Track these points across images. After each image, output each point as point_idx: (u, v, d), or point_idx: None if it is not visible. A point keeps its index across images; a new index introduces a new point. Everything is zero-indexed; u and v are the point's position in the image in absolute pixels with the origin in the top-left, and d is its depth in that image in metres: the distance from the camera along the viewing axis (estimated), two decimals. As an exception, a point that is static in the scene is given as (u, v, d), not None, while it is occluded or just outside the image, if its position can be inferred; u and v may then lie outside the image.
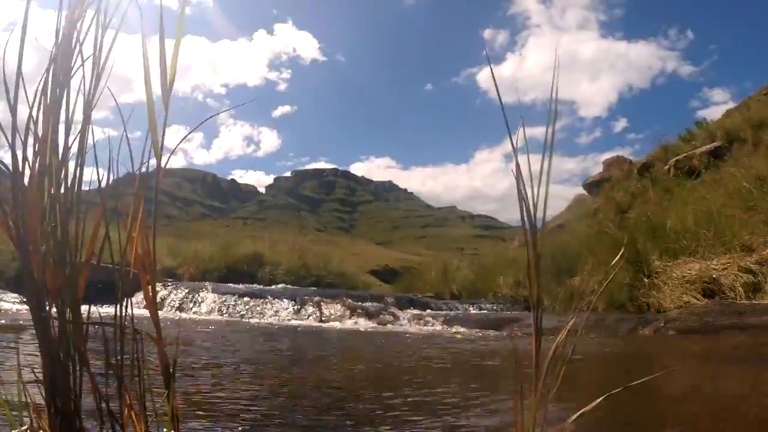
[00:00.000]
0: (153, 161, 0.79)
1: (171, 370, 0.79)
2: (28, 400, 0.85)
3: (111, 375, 0.82)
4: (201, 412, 1.49)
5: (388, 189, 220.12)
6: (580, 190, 16.70)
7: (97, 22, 0.79)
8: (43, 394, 0.81)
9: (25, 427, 0.87)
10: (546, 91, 0.75)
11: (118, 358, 0.82)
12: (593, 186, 14.92)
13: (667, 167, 10.96)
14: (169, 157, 0.78)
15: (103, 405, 0.82)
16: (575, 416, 0.78)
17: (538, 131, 0.82)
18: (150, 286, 0.79)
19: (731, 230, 5.35)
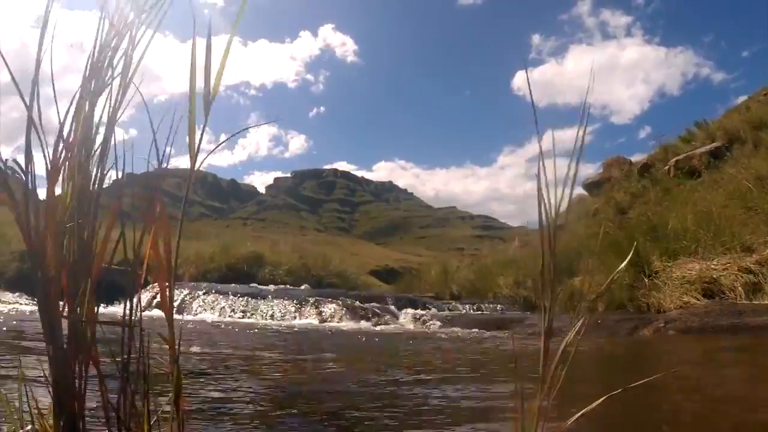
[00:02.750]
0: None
1: (178, 371, 0.79)
2: (31, 401, 0.85)
3: (118, 376, 0.83)
4: (203, 413, 1.49)
5: (388, 189, 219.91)
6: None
7: (129, 37, 0.81)
8: (51, 394, 0.81)
9: (28, 428, 0.87)
10: (583, 95, 0.75)
11: (125, 358, 0.82)
12: (593, 186, 14.87)
13: (667, 167, 10.95)
14: (205, 158, 0.80)
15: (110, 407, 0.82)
16: (576, 416, 0.79)
17: (567, 134, 0.81)
18: (168, 288, 0.80)
19: (731, 230, 5.36)
